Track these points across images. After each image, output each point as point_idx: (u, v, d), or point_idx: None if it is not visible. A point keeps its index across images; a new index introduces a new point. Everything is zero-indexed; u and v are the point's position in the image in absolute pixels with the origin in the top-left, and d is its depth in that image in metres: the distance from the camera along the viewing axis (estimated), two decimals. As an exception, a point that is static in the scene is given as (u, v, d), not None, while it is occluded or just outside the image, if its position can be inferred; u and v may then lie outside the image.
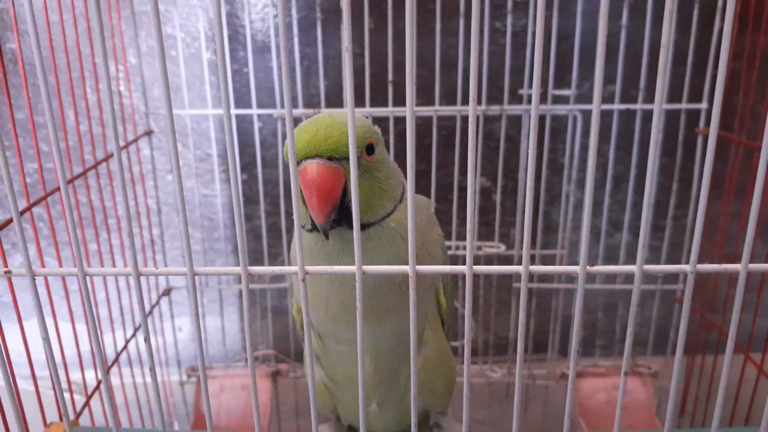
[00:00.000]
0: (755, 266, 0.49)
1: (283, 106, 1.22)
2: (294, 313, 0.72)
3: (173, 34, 1.27)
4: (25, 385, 0.86)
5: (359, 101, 1.18)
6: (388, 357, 0.67)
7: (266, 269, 0.49)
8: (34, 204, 0.83)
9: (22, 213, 0.81)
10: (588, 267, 0.47)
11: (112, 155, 1.10)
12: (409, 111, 0.42)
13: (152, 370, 0.51)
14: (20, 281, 1.20)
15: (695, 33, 1.13)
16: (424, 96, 1.24)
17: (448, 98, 1.22)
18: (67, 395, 0.98)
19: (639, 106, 1.16)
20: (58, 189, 0.91)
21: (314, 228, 0.58)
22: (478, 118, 1.17)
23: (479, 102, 1.16)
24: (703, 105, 1.14)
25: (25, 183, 0.85)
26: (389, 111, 1.16)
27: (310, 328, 0.67)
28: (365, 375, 0.67)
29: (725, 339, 1.16)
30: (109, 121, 0.43)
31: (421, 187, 1.26)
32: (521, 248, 1.31)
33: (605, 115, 1.22)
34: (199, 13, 1.25)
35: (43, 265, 0.73)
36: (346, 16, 0.40)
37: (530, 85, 1.17)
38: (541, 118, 1.23)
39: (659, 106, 0.44)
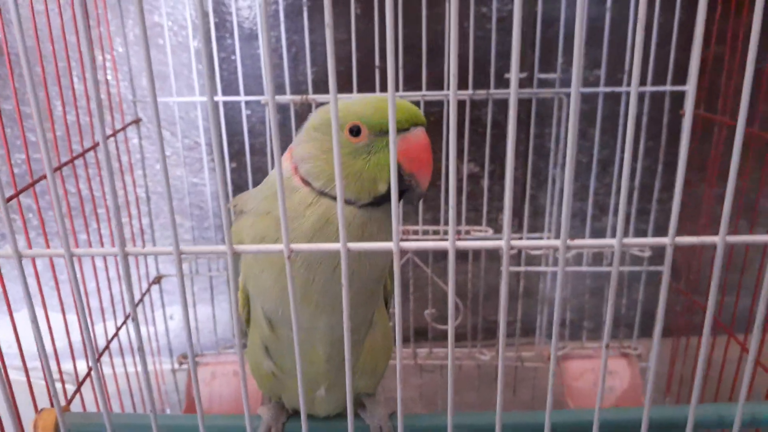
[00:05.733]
0: (733, 238, 0.50)
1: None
2: (239, 294, 0.69)
3: (160, 22, 1.27)
4: (16, 376, 0.86)
5: (346, 87, 1.19)
6: (342, 343, 0.67)
7: (251, 247, 0.49)
8: (22, 191, 0.83)
9: (8, 200, 0.81)
10: (569, 240, 0.48)
11: (99, 144, 1.10)
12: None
13: (141, 349, 0.51)
14: (10, 273, 1.19)
15: (680, 14, 1.14)
16: (412, 82, 1.25)
17: (436, 84, 1.23)
18: (58, 384, 0.99)
19: (624, 89, 1.17)
20: (45, 176, 0.91)
21: (375, 202, 0.60)
22: (464, 102, 1.18)
23: (466, 87, 1.16)
24: (688, 87, 1.15)
25: (12, 173, 0.85)
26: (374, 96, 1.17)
27: (262, 314, 0.66)
28: (317, 362, 0.67)
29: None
30: (96, 109, 0.43)
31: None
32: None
33: (591, 99, 1.23)
34: (185, 1, 1.25)
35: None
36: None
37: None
38: (527, 102, 1.24)
39: (635, 88, 0.44)
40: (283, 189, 0.46)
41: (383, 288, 0.71)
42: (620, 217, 0.48)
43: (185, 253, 0.48)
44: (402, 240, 0.48)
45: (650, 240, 0.50)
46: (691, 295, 1.24)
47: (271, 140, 1.24)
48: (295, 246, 0.48)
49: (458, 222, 1.32)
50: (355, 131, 0.59)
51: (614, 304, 0.52)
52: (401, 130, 0.59)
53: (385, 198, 0.60)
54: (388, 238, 0.62)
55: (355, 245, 0.49)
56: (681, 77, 1.17)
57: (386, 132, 0.59)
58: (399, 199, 0.59)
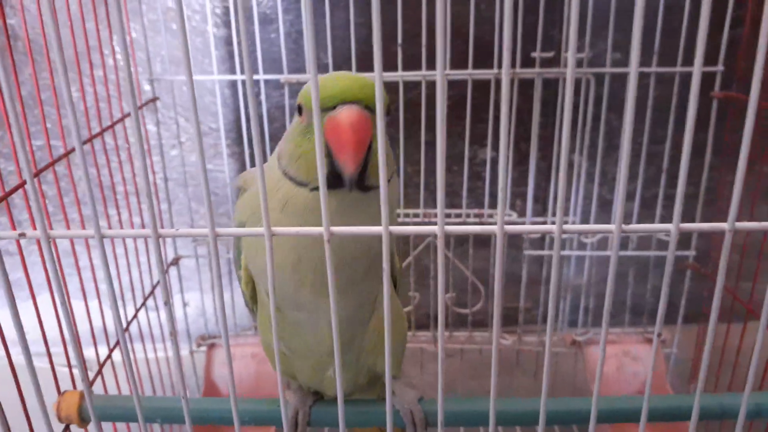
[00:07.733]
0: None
1: (288, 72, 1.20)
2: (242, 273, 0.68)
3: (174, 7, 1.25)
4: (38, 363, 0.85)
5: (368, 68, 1.16)
6: (347, 323, 0.66)
7: (289, 230, 0.48)
8: (48, 166, 0.82)
9: (36, 174, 0.79)
10: (624, 225, 0.45)
11: (126, 116, 1.09)
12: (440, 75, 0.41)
13: (173, 335, 0.50)
14: (30, 257, 1.18)
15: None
16: (434, 61, 1.22)
17: (459, 64, 1.20)
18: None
19: (653, 69, 1.14)
20: (66, 154, 0.89)
21: (330, 185, 0.54)
22: (490, 82, 1.15)
23: (493, 66, 1.13)
24: (719, 67, 1.12)
25: (33, 157, 0.83)
26: (399, 75, 1.14)
27: (267, 295, 0.65)
28: (324, 342, 0.67)
29: (738, 305, 1.14)
30: (126, 80, 0.41)
31: (429, 158, 1.24)
32: (532, 215, 1.30)
33: (619, 79, 1.20)
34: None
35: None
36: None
37: (542, 49, 1.15)
38: (554, 83, 1.20)
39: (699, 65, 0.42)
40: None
41: (391, 267, 0.69)
42: (677, 204, 0.46)
43: (221, 235, 0.46)
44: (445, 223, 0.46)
45: (707, 225, 0.48)
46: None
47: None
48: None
49: (482, 206, 1.30)
50: (300, 111, 0.57)
51: (656, 296, 0.50)
52: (327, 108, 0.53)
53: (338, 182, 0.55)
54: (373, 223, 0.58)
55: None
56: (712, 58, 1.14)
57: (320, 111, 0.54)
58: (335, 185, 0.53)
